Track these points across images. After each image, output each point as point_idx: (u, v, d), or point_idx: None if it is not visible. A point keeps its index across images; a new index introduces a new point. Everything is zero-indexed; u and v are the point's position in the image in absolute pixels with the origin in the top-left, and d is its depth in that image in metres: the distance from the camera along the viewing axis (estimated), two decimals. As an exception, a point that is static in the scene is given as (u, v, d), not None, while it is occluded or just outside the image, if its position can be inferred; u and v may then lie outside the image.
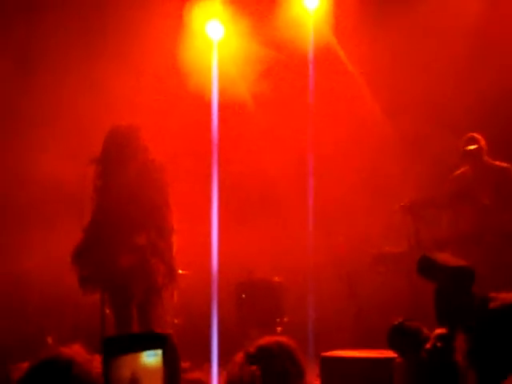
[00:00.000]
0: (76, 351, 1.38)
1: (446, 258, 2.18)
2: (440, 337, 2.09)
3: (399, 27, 7.48)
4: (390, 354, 3.41)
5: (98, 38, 7.85)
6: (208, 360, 6.90)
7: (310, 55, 7.67)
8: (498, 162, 6.23)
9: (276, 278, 6.75)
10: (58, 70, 7.77)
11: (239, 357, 2.29)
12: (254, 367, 1.67)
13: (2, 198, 7.51)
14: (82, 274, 4.97)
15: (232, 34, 7.59)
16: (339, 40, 7.84)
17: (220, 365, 6.53)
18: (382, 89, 7.69)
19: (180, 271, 7.41)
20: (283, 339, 2.45)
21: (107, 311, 5.26)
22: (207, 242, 7.21)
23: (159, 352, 1.06)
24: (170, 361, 1.03)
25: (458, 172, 6.39)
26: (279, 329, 6.11)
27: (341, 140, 7.74)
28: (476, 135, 6.26)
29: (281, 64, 7.90)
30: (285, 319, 6.57)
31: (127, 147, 5.00)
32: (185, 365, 6.03)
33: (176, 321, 7.31)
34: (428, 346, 2.12)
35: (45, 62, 7.85)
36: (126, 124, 5.13)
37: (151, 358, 1.06)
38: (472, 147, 6.19)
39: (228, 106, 7.44)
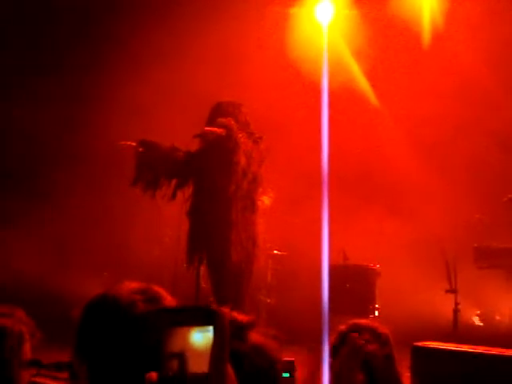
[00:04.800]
0: (122, 289, 1.32)
1: None
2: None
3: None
4: (489, 350, 3.27)
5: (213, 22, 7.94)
6: (297, 343, 6.90)
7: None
8: None
9: (371, 265, 6.64)
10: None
11: (333, 337, 2.30)
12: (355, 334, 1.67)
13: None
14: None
15: (341, 16, 7.48)
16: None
17: (310, 348, 6.52)
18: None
19: (275, 251, 7.49)
20: (376, 324, 2.42)
21: (203, 285, 5.38)
22: (305, 224, 7.18)
23: (210, 329, 0.98)
24: (219, 340, 0.96)
25: None
26: (371, 316, 6.01)
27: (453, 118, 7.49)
28: None
29: (393, 48, 7.72)
30: (376, 306, 6.46)
31: (226, 137, 5.07)
32: (273, 344, 6.07)
33: (269, 300, 7.36)
34: None
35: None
36: (228, 100, 5.20)
37: (201, 335, 0.98)
38: None
39: (338, 91, 7.33)
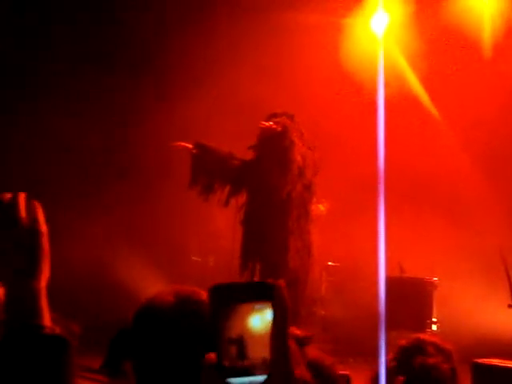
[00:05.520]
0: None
1: None
2: None
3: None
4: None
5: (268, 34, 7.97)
6: (352, 356, 6.77)
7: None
8: None
9: (428, 277, 6.47)
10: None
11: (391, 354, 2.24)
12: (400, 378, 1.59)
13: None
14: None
15: (397, 25, 7.37)
16: None
17: (365, 362, 6.39)
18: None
19: (330, 263, 7.40)
20: (438, 340, 2.34)
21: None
22: (360, 235, 7.07)
23: (268, 312, 0.96)
24: (279, 315, 0.94)
25: None
26: (428, 330, 5.84)
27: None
28: None
29: (450, 55, 7.56)
30: (434, 320, 6.29)
31: (282, 134, 5.05)
32: (329, 360, 5.98)
33: (323, 312, 7.27)
34: None
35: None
36: (282, 111, 5.18)
37: (259, 319, 0.96)
38: None
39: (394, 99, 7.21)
